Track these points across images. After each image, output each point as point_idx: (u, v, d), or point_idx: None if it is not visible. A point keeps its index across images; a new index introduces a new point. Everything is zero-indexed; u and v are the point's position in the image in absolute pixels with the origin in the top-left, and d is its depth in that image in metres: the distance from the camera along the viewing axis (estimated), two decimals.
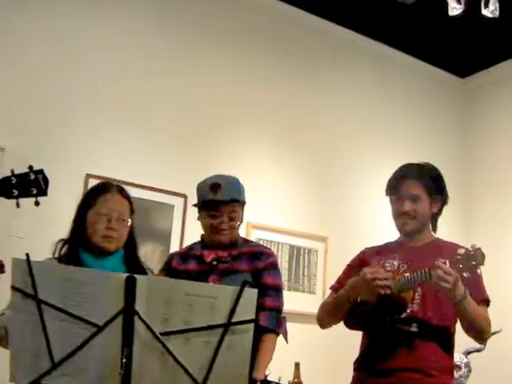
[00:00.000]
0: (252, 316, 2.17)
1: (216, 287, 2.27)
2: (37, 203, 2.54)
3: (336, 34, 6.81)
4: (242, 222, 3.60)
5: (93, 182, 4.87)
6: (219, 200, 3.46)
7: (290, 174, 6.24)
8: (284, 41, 6.48)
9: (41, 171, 2.56)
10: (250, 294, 2.17)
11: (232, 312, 2.14)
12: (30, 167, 2.54)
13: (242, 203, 3.56)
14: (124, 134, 5.40)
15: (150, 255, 5.11)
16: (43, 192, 2.55)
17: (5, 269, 4.11)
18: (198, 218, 3.62)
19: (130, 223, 3.26)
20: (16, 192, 2.50)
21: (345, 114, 6.76)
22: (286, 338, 3.58)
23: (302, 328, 3.98)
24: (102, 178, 4.87)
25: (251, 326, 2.18)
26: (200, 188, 3.58)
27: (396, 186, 3.49)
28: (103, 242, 3.16)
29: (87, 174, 5.10)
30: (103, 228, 3.16)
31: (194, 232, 3.83)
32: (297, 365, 4.86)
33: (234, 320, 2.14)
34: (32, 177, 2.53)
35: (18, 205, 2.51)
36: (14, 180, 2.50)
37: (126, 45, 5.57)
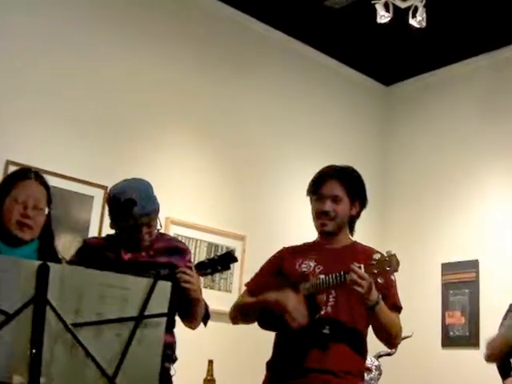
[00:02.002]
0: (165, 309, 2.16)
1: (129, 278, 2.22)
2: None
3: (262, 33, 6.81)
4: (159, 226, 3.56)
5: (13, 169, 4.79)
6: (135, 222, 3.38)
7: (211, 170, 6.22)
8: (209, 34, 6.44)
9: None
10: (164, 287, 2.16)
11: (144, 305, 2.12)
12: None
13: (157, 211, 3.52)
14: (46, 121, 5.30)
15: (68, 246, 5.02)
16: None
17: None
18: (114, 228, 3.55)
19: (46, 212, 3.20)
20: None
21: (266, 113, 6.76)
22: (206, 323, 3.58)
23: (216, 326, 3.97)
24: (23, 165, 4.77)
25: (163, 319, 2.16)
26: (112, 200, 3.46)
27: (317, 185, 3.52)
28: (17, 230, 3.08)
29: (7, 161, 5.00)
30: (18, 215, 3.09)
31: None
32: (210, 362, 4.86)
33: (146, 313, 2.12)
34: None
35: None
36: None
37: (46, 30, 5.45)
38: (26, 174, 3.25)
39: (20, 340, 2.10)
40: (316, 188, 3.53)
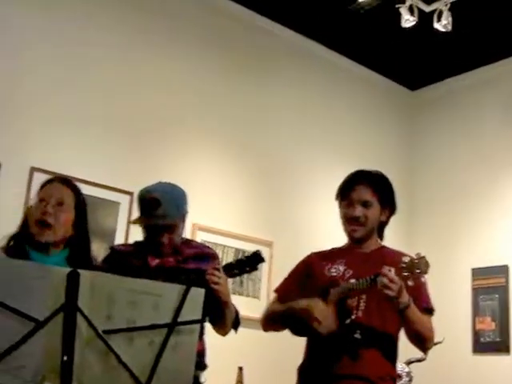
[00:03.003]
0: (198, 316, 2.13)
1: (162, 285, 2.20)
2: None
3: (286, 37, 6.79)
4: (182, 233, 3.54)
5: (38, 176, 4.80)
6: (156, 223, 3.38)
7: (238, 176, 6.21)
8: (235, 43, 6.44)
9: None
10: (197, 293, 2.12)
11: (178, 311, 2.09)
12: None
13: (182, 216, 3.50)
14: (71, 127, 5.30)
15: (95, 253, 5.00)
16: None
17: None
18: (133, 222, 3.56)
19: (73, 214, 3.14)
20: None
21: (292, 119, 6.75)
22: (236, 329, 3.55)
23: (245, 332, 3.94)
24: (48, 171, 4.78)
25: (197, 326, 2.13)
26: (139, 199, 3.48)
27: (347, 190, 3.49)
28: (37, 231, 3.01)
29: (32, 167, 5.00)
30: (38, 214, 3.03)
31: (140, 230, 3.77)
32: (240, 369, 4.83)
33: (179, 320, 2.09)
34: None
35: None
36: None
37: (72, 35, 5.45)
38: (52, 179, 3.24)
39: (51, 347, 2.07)
40: (346, 193, 3.50)
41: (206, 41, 6.23)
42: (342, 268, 3.43)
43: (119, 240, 5.26)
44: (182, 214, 3.46)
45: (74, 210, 3.14)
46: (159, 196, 3.36)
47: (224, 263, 3.47)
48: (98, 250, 4.94)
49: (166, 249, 3.42)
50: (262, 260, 3.35)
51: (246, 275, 3.70)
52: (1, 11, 5.13)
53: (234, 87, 6.33)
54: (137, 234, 3.76)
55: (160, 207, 3.33)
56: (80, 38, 5.47)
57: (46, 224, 3.02)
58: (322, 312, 3.25)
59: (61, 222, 3.06)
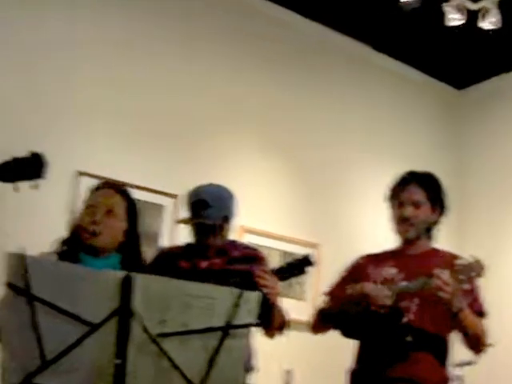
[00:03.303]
0: (252, 320, 2.11)
1: (216, 288, 2.19)
2: (34, 186, 2.45)
3: (331, 40, 6.75)
4: (228, 235, 3.53)
5: (83, 180, 4.83)
6: (201, 223, 3.40)
7: (283, 178, 6.18)
8: (278, 44, 6.41)
9: (39, 154, 2.47)
10: (252, 297, 2.11)
11: (232, 315, 2.07)
12: (31, 151, 2.46)
13: (228, 218, 3.49)
14: (115, 131, 5.32)
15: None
16: (40, 175, 2.46)
17: None
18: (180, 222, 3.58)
19: (126, 222, 3.14)
20: (12, 175, 2.41)
21: (339, 120, 6.70)
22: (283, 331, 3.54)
23: (292, 335, 3.91)
24: (93, 175, 4.82)
25: (249, 329, 2.12)
26: (188, 198, 3.51)
27: (398, 191, 3.46)
28: (87, 237, 3.02)
29: (78, 172, 5.02)
30: (87, 222, 3.02)
31: (185, 233, 3.76)
32: (288, 372, 4.81)
33: (233, 323, 2.07)
34: (30, 160, 2.44)
35: (16, 189, 2.43)
36: (12, 163, 2.42)
37: (120, 41, 5.49)
38: (102, 184, 3.23)
39: (104, 351, 2.07)
40: (396, 193, 3.47)
41: (248, 42, 6.22)
42: (393, 271, 3.41)
43: (164, 243, 5.25)
44: (228, 216, 3.45)
45: (126, 218, 3.13)
46: (207, 197, 3.38)
47: (272, 266, 3.46)
48: (144, 253, 5.02)
49: (211, 250, 3.42)
50: (310, 264, 3.33)
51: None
52: (52, 13, 5.18)
53: (281, 88, 6.30)
54: (182, 237, 3.76)
55: (207, 208, 3.33)
56: (127, 40, 5.49)
57: (94, 233, 3.02)
58: (374, 288, 3.27)
59: (109, 230, 3.06)
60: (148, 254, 4.82)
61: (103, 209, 3.05)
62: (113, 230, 3.08)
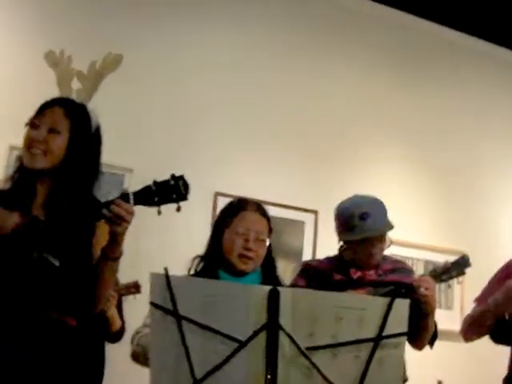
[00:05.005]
0: (404, 329, 2.04)
1: (366, 298, 2.14)
2: (178, 209, 2.48)
3: (454, 40, 6.63)
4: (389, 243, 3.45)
5: (222, 200, 4.87)
6: (369, 235, 3.32)
7: (424, 186, 6.09)
8: (407, 47, 6.37)
9: (181, 177, 2.51)
10: (402, 306, 2.04)
11: (383, 325, 2.01)
12: (172, 175, 2.50)
13: (390, 226, 3.41)
14: (252, 151, 5.39)
15: (282, 272, 5.01)
16: (183, 197, 2.49)
17: (141, 289, 4.17)
18: (342, 241, 3.48)
19: (268, 243, 3.14)
20: (157, 198, 2.45)
21: (473, 121, 6.56)
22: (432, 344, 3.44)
23: (443, 345, 3.80)
24: (231, 196, 4.83)
25: (403, 339, 2.05)
26: (344, 214, 3.42)
27: None
28: (240, 263, 3.04)
29: (216, 192, 5.08)
30: (240, 248, 3.04)
31: (326, 248, 3.73)
32: (439, 383, 4.70)
33: (385, 333, 2.01)
34: (172, 183, 2.48)
35: (159, 212, 2.46)
36: (154, 187, 2.46)
37: (254, 64, 5.58)
38: (245, 205, 3.21)
39: (253, 367, 2.05)
40: None
41: (378, 49, 6.20)
42: None
43: (306, 258, 5.24)
44: (389, 222, 3.38)
45: (267, 239, 3.15)
46: (368, 209, 3.29)
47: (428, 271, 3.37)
48: (285, 269, 5.02)
49: (374, 260, 3.34)
50: (468, 265, 3.22)
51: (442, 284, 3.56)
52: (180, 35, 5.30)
53: (411, 94, 6.23)
54: (324, 253, 3.72)
55: (369, 220, 3.26)
56: (254, 63, 5.57)
57: (248, 257, 3.04)
58: None
59: (260, 255, 3.09)
60: (289, 269, 4.87)
61: (254, 235, 3.06)
62: (261, 255, 3.11)
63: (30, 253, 2.41)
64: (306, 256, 5.29)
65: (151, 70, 5.27)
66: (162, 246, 4.86)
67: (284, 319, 2.01)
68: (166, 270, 2.16)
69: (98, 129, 2.74)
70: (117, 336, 4.12)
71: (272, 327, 2.01)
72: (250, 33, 5.71)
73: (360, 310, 2.02)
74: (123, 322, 4.17)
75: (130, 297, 4.23)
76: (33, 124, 2.63)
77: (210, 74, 5.42)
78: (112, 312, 4.06)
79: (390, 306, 2.01)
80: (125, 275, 3.76)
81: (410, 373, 3.43)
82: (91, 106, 2.82)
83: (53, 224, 2.44)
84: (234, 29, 5.68)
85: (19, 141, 2.66)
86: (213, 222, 4.79)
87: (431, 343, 3.42)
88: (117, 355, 3.89)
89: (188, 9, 5.54)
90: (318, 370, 2.02)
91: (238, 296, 2.08)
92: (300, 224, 5.40)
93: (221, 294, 2.11)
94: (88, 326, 2.72)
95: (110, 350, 4.15)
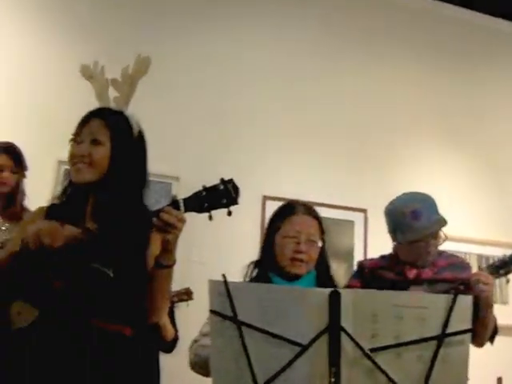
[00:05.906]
0: (468, 325, 2.01)
1: (426, 296, 2.12)
2: (229, 213, 2.46)
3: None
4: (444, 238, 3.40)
5: (270, 204, 4.87)
6: (422, 233, 3.28)
7: (477, 181, 6.02)
8: (457, 43, 6.30)
9: (230, 181, 2.48)
10: (465, 302, 2.01)
11: (446, 322, 1.98)
12: (221, 179, 2.48)
13: (443, 222, 3.36)
14: (299, 153, 5.38)
15: (334, 274, 4.99)
16: (234, 201, 2.47)
17: (193, 296, 4.17)
18: (396, 241, 3.44)
19: (320, 244, 3.11)
20: (207, 204, 2.44)
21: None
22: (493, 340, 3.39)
23: (499, 340, 3.75)
24: (279, 198, 4.81)
25: (468, 336, 2.02)
26: (395, 214, 3.38)
27: None
28: (292, 267, 3.01)
29: (264, 196, 5.08)
30: (291, 251, 3.02)
31: (377, 246, 3.70)
32: (499, 379, 4.62)
33: (448, 331, 1.98)
34: (221, 187, 2.46)
35: (210, 218, 2.44)
36: (204, 193, 2.44)
37: (298, 66, 5.58)
38: (294, 208, 3.19)
39: (316, 370, 2.04)
40: None
41: (421, 41, 6.17)
42: None
43: (358, 258, 5.20)
44: (442, 218, 3.33)
45: (320, 241, 3.12)
46: (419, 207, 3.26)
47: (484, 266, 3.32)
48: (337, 270, 4.97)
49: (430, 258, 3.30)
50: None
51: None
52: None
53: (466, 96, 6.16)
54: (375, 251, 3.69)
55: (422, 218, 3.22)
56: (298, 65, 5.57)
57: (300, 260, 3.02)
58: None
59: (313, 257, 3.06)
60: (340, 271, 4.84)
61: (304, 237, 3.04)
62: (314, 257, 3.07)
63: (85, 264, 2.41)
64: (358, 255, 5.26)
65: (190, 76, 5.29)
66: (213, 253, 4.87)
67: (346, 321, 2.00)
68: (224, 276, 2.15)
69: (140, 133, 2.73)
70: (171, 345, 4.10)
71: (334, 330, 2.00)
72: (287, 34, 5.69)
73: (421, 309, 2.00)
74: (176, 330, 4.14)
75: (183, 305, 4.21)
76: (75, 140, 2.64)
77: (252, 77, 5.42)
78: (164, 321, 4.04)
79: (453, 303, 1.98)
80: (175, 282, 3.75)
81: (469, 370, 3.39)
82: (130, 111, 2.82)
83: (105, 235, 2.45)
84: (273, 31, 5.67)
85: (66, 155, 2.67)
86: (262, 226, 4.84)
87: (491, 339, 3.37)
88: (170, 364, 3.89)
89: (226, 9, 5.57)
90: (383, 372, 2.00)
91: (297, 300, 2.07)
92: (349, 223, 5.38)
93: (280, 299, 2.10)
94: (144, 335, 2.72)
95: (164, 359, 4.14)
